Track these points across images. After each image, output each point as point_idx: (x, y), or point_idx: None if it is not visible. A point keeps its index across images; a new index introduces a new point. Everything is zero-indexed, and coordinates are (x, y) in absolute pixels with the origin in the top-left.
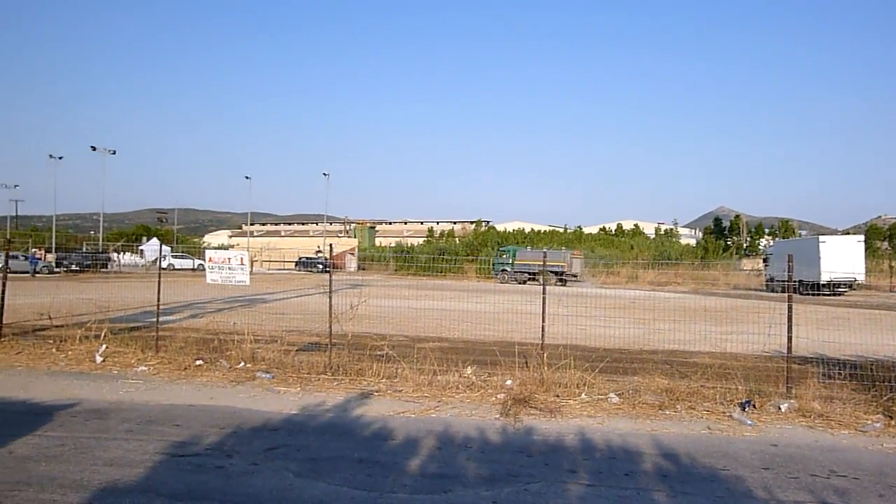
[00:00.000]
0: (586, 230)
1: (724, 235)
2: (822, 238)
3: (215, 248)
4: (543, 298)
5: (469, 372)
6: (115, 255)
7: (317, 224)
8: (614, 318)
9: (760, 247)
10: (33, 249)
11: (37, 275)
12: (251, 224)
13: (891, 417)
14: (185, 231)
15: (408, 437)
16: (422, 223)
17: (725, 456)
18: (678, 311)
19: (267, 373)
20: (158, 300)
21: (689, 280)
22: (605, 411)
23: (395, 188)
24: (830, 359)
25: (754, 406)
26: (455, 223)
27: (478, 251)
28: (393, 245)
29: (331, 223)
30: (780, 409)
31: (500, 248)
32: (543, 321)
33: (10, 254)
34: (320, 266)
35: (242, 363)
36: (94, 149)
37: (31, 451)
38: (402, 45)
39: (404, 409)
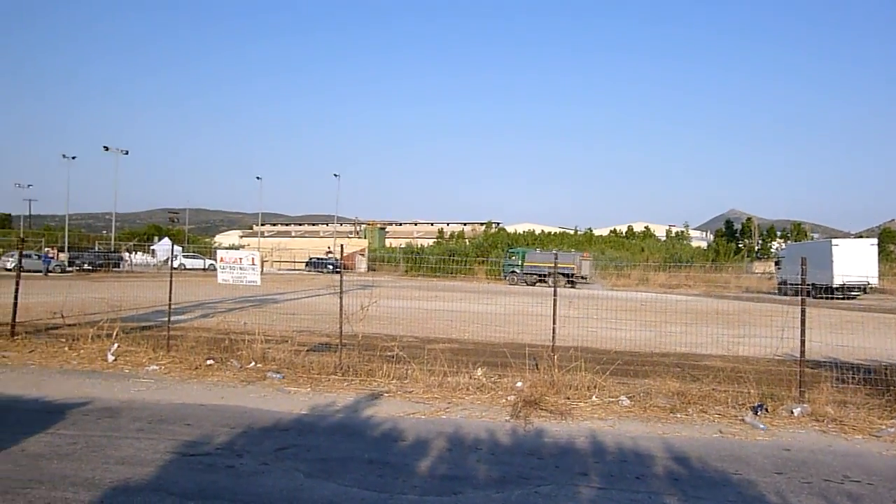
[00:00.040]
0: (597, 232)
1: (735, 238)
2: (834, 241)
3: (226, 248)
4: (554, 300)
5: (479, 373)
6: (127, 254)
7: (327, 225)
8: (625, 321)
9: (772, 250)
10: (46, 249)
11: (49, 274)
12: (262, 224)
13: None
14: (196, 231)
15: (418, 438)
16: (432, 224)
17: (737, 460)
18: (689, 314)
19: (277, 373)
20: (170, 300)
21: (700, 283)
22: (615, 414)
23: (406, 189)
24: (844, 363)
25: (767, 410)
26: (465, 224)
27: (488, 252)
28: (403, 246)
29: (341, 224)
30: (792, 413)
31: (510, 250)
32: (554, 323)
33: (24, 253)
34: (330, 266)
35: (253, 363)
36: (106, 149)
37: (43, 448)
38: (415, 49)
39: (414, 410)
